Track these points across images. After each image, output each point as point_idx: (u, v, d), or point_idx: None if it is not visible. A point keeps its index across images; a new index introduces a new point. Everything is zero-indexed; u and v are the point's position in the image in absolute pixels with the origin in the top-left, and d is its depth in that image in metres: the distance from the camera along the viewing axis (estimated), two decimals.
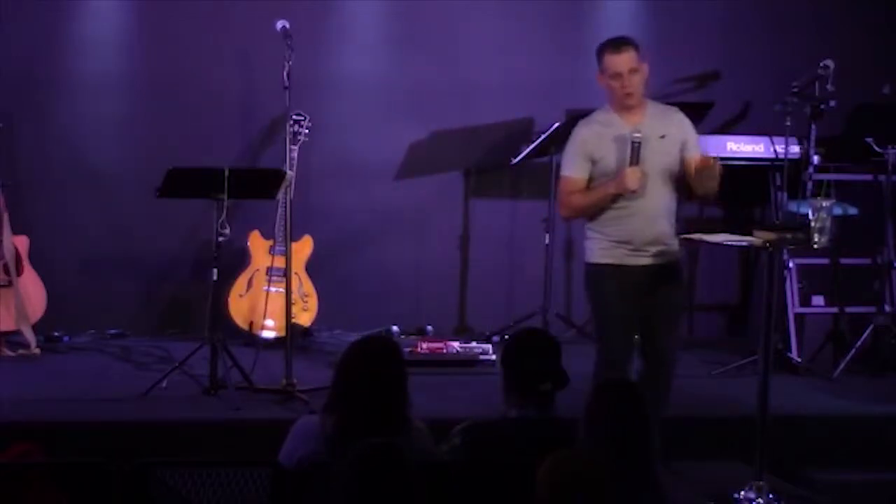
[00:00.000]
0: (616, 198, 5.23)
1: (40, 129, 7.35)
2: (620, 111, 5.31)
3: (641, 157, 5.18)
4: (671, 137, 5.32)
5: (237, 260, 7.15)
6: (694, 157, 5.34)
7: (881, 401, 6.35)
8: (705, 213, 7.85)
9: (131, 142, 7.47)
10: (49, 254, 7.15)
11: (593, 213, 5.32)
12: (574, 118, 7.38)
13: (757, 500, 5.05)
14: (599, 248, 5.33)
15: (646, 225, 5.26)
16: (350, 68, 7.66)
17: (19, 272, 6.78)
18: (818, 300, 7.24)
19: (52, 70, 7.38)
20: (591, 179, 5.31)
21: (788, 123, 6.76)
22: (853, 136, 6.98)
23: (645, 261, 5.29)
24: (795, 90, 6.81)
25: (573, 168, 5.33)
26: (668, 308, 5.40)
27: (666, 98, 6.37)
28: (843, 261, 7.26)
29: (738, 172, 5.64)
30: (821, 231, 5.04)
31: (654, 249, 5.28)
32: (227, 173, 5.91)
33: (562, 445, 3.51)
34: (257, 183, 6.29)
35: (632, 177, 5.18)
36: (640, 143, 5.19)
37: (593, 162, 5.29)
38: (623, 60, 5.24)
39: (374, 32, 7.75)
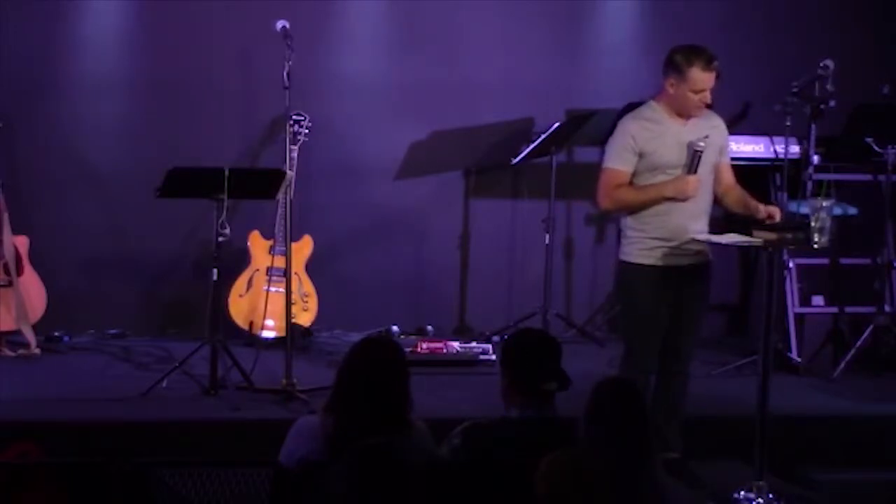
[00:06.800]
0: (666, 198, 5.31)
1: (40, 129, 7.34)
2: (673, 113, 5.34)
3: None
4: (712, 140, 5.38)
5: (237, 260, 7.15)
6: (724, 162, 5.47)
7: (881, 401, 6.36)
8: None
9: (131, 142, 7.47)
10: (49, 254, 7.14)
11: (637, 209, 5.36)
12: (574, 117, 7.44)
13: (757, 500, 5.06)
14: (639, 248, 5.34)
15: (688, 223, 5.31)
16: (350, 68, 7.66)
17: (19, 272, 6.78)
18: (818, 300, 7.24)
19: (51, 70, 7.38)
20: (634, 173, 5.34)
21: (788, 123, 6.77)
22: (853, 136, 6.98)
23: (683, 261, 5.33)
24: (795, 90, 6.82)
25: (620, 161, 5.33)
26: (695, 308, 5.45)
27: None
28: (843, 261, 7.26)
29: (738, 172, 5.64)
30: (820, 231, 5.05)
31: (693, 248, 5.31)
32: (227, 173, 5.91)
33: (562, 445, 3.51)
34: (257, 183, 6.29)
35: (693, 185, 5.25)
36: (702, 152, 5.24)
37: (640, 156, 5.31)
38: (712, 78, 5.28)
39: (374, 32, 7.74)
